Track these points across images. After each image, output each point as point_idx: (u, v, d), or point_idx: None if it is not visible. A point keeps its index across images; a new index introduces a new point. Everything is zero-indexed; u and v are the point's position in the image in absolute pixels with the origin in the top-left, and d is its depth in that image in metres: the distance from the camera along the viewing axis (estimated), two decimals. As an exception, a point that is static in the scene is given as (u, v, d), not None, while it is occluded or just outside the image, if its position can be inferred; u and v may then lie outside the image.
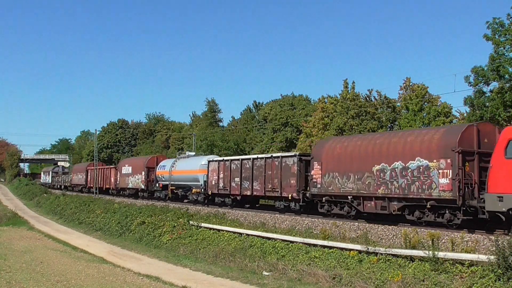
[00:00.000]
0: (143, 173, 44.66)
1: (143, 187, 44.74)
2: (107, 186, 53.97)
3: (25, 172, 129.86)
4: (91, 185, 58.34)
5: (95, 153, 64.93)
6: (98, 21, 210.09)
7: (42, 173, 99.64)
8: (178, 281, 18.63)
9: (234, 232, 24.69)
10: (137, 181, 45.98)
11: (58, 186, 78.63)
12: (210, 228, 26.50)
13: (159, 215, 31.52)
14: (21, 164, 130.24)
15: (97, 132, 76.69)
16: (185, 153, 42.98)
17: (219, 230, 25.82)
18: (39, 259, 23.15)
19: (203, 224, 27.24)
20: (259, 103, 74.41)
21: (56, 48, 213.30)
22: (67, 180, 74.72)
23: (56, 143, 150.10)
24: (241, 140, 61.40)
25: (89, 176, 61.26)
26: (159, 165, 42.31)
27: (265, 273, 19.80)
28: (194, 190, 35.85)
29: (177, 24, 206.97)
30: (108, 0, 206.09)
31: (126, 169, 48.64)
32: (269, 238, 22.37)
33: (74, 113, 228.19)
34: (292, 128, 52.95)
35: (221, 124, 75.88)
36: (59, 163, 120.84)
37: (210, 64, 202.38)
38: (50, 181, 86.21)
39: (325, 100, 45.64)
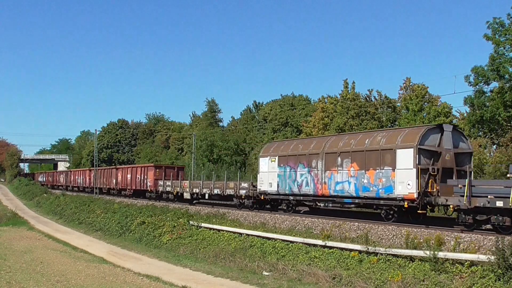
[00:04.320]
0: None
1: None
2: None
3: (25, 172, 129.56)
4: None
5: (95, 153, 64.97)
6: (98, 21, 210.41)
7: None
8: (178, 281, 18.63)
9: (234, 232, 24.68)
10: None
11: None
12: (210, 228, 26.50)
13: (159, 215, 31.50)
14: (21, 164, 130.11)
15: (97, 132, 76.76)
16: None
17: (219, 230, 25.81)
18: (39, 259, 23.14)
19: (203, 224, 27.23)
20: (259, 103, 74.49)
21: (56, 48, 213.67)
22: None
23: (56, 143, 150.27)
24: (241, 140, 61.32)
25: None
26: None
27: (265, 273, 19.79)
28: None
29: (177, 24, 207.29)
30: (108, 0, 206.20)
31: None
32: (269, 238, 22.36)
33: (74, 113, 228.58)
34: (292, 128, 52.92)
35: (221, 124, 75.98)
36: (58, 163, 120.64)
37: (210, 64, 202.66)
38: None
39: (325, 100, 45.68)
